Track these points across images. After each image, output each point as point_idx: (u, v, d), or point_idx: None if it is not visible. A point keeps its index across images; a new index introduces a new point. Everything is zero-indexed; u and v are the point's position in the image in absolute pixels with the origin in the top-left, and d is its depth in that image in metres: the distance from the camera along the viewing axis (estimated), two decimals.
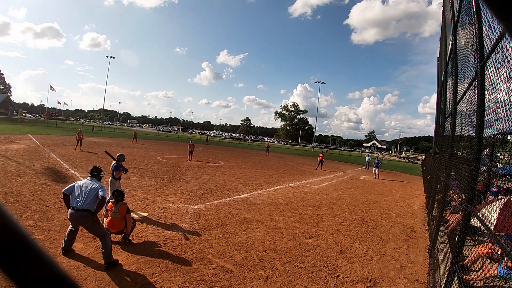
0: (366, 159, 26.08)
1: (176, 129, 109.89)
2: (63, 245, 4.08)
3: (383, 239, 6.25)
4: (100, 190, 4.06)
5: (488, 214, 4.22)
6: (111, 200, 4.68)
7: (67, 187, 4.07)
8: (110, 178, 6.11)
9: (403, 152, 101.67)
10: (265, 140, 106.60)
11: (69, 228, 4.10)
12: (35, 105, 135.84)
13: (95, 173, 4.31)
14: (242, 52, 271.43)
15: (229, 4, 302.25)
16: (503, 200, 4.45)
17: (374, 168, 18.83)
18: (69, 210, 3.97)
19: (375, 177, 18.40)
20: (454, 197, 6.10)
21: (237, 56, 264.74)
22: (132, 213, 5.89)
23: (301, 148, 76.07)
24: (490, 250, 3.74)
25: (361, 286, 4.07)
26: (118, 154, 6.42)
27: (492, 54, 2.31)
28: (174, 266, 4.04)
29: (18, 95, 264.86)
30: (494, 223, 3.93)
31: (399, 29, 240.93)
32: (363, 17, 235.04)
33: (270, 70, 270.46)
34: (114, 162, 6.12)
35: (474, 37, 2.90)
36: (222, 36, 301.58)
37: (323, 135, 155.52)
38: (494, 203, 4.60)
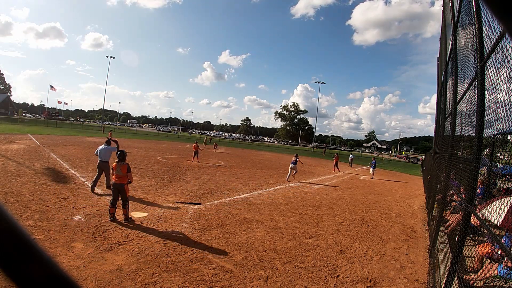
0: (350, 157, 26.34)
1: (176, 129, 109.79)
2: (93, 183, 7.54)
3: (383, 239, 6.25)
4: (111, 149, 7.94)
5: (489, 214, 4.20)
6: (115, 161, 5.83)
7: (96, 151, 8.01)
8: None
9: (403, 152, 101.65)
10: (265, 140, 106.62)
11: (96, 176, 7.70)
12: (35, 105, 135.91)
13: (108, 142, 8.09)
14: (244, 52, 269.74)
15: (232, 4, 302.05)
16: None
17: (370, 168, 19.01)
18: (99, 161, 7.82)
19: (372, 178, 18.58)
20: (454, 197, 6.10)
21: (239, 57, 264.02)
22: (132, 213, 5.97)
23: (301, 148, 75.98)
24: (490, 250, 3.73)
25: (361, 286, 4.07)
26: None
27: (492, 54, 2.31)
28: (174, 266, 4.04)
29: (18, 95, 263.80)
30: (501, 220, 3.89)
31: (401, 29, 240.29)
32: (365, 17, 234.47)
33: (271, 71, 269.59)
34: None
35: (474, 37, 2.89)
36: (224, 37, 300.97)
37: (323, 135, 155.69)
38: (499, 201, 4.56)
